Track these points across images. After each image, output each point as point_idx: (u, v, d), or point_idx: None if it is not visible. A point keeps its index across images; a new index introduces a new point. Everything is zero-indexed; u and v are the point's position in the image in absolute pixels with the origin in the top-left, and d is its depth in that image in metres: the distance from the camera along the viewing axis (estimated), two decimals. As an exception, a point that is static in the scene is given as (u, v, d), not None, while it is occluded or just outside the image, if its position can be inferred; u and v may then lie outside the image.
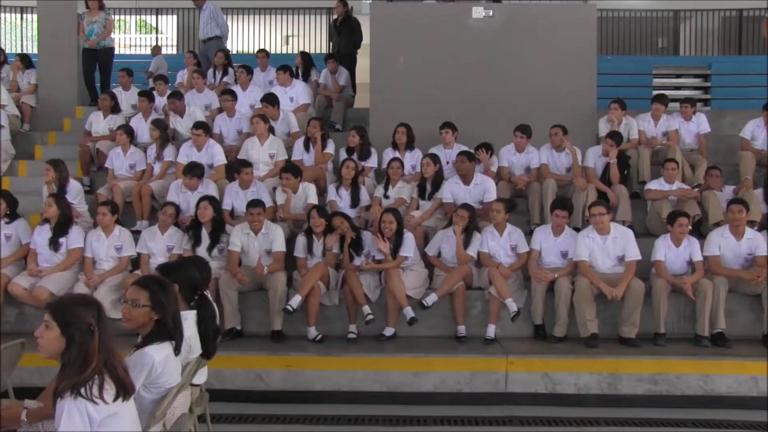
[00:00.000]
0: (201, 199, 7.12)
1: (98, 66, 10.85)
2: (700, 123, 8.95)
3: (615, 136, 8.13)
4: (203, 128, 8.30)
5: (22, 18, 18.42)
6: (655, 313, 6.62)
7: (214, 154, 8.27)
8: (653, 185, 7.84)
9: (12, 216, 7.35)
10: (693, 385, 6.18)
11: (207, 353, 4.17)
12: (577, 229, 7.22)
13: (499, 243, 7.03)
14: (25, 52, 13.72)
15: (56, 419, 2.76)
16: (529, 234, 7.32)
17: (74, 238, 7.07)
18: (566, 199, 7.39)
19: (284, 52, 15.78)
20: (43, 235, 7.09)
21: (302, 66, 11.18)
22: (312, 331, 6.69)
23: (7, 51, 12.84)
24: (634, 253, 6.75)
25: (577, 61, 8.98)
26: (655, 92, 11.19)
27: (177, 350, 3.55)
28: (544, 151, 8.26)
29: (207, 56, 11.37)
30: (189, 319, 3.99)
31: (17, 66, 11.09)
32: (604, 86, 10.27)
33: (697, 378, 6.19)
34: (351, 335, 6.76)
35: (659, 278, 6.71)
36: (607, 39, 16.17)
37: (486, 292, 6.86)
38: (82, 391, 2.75)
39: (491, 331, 6.74)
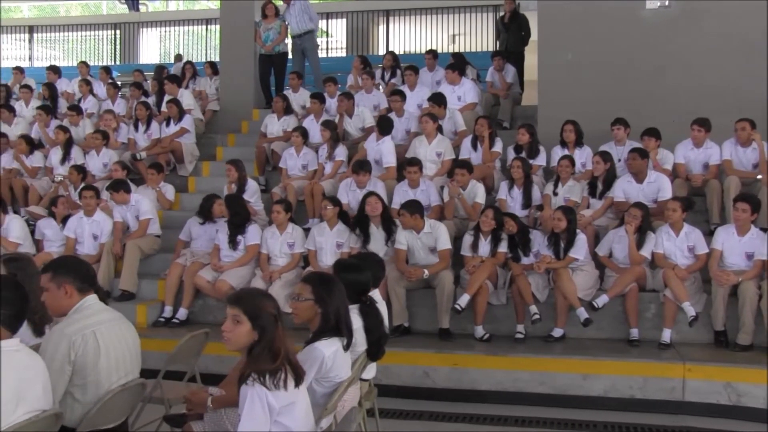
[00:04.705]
0: (368, 195, 7.21)
1: (273, 70, 11.36)
2: None
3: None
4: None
5: (207, 29, 19.69)
6: None
7: (384, 154, 8.44)
8: None
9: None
10: None
11: (372, 356, 4.20)
12: (765, 230, 6.71)
13: (675, 243, 6.67)
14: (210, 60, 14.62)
15: (240, 405, 2.91)
16: (708, 235, 6.90)
17: (252, 235, 7.42)
18: (751, 194, 6.89)
19: (451, 50, 15.80)
20: (224, 232, 7.51)
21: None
22: (479, 330, 6.67)
23: (194, 60, 13.79)
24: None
25: (762, 50, 8.33)
26: None
27: (347, 346, 3.64)
28: (727, 147, 7.74)
29: (303, 51, 11.47)
30: (354, 310, 4.04)
31: (206, 71, 12.01)
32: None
33: None
34: (518, 335, 6.67)
35: None
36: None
37: (661, 294, 6.54)
38: (267, 379, 2.88)
39: (666, 335, 6.41)
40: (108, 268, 7.70)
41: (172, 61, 17.01)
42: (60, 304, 3.50)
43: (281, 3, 11.49)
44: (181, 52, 17.20)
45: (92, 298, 3.56)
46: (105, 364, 3.45)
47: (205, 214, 7.78)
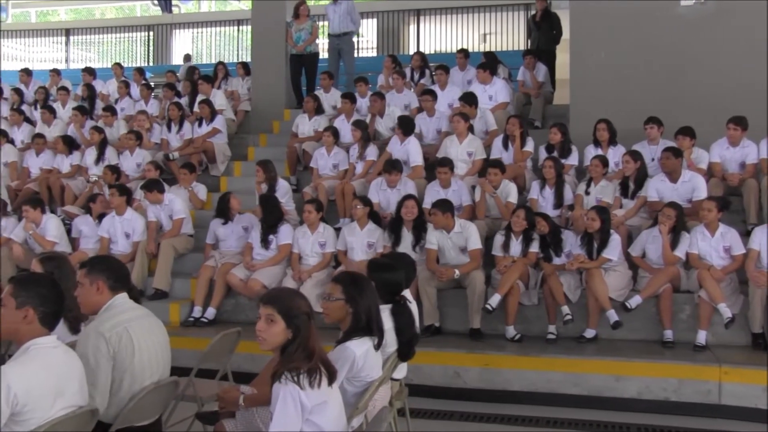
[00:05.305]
0: (406, 198, 7.23)
1: (304, 70, 11.41)
2: None
3: None
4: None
5: (239, 30, 19.83)
6: None
7: (411, 153, 8.43)
8: None
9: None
10: None
11: (403, 356, 4.19)
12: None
13: (711, 244, 6.57)
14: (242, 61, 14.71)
15: (272, 403, 2.92)
16: (745, 235, 6.79)
17: (284, 234, 7.46)
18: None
19: (482, 49, 15.74)
20: (257, 230, 7.55)
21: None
22: (510, 330, 6.63)
23: (227, 61, 13.86)
24: None
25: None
26: None
27: (377, 346, 3.64)
28: (765, 145, 7.61)
29: (339, 51, 11.53)
30: (385, 311, 4.03)
31: (238, 72, 12.10)
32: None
33: None
34: (550, 336, 6.62)
35: None
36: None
37: (696, 295, 6.44)
38: (302, 378, 2.89)
39: (702, 337, 6.31)
40: (142, 267, 7.80)
41: (205, 61, 17.22)
42: (91, 301, 3.55)
43: (312, 3, 11.51)
44: (214, 53, 17.33)
45: (122, 297, 3.60)
46: (139, 360, 3.50)
47: (225, 212, 7.85)
